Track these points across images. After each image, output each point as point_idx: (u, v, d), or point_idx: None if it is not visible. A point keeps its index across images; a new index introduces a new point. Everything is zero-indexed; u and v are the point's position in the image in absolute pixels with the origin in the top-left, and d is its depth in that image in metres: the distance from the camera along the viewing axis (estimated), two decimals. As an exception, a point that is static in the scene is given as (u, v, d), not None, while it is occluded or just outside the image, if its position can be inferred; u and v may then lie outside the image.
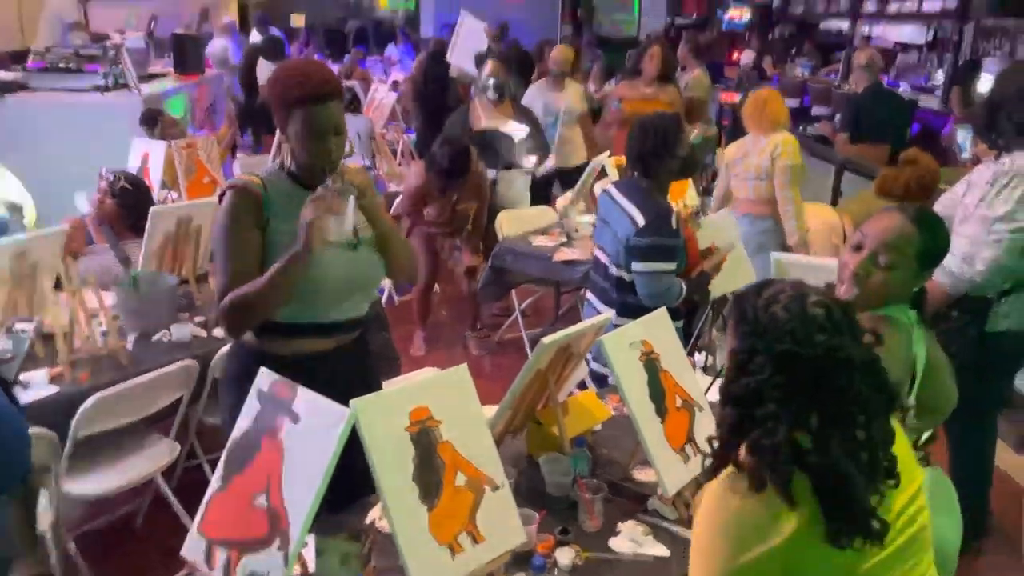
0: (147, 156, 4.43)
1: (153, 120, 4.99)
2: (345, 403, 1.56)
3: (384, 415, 1.61)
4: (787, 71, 11.48)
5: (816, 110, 9.40)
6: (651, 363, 2.02)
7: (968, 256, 2.43)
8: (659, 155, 2.85)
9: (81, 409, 2.37)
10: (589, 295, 3.10)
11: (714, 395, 2.57)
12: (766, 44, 12.78)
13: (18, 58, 6.27)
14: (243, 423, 1.68)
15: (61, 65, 6.03)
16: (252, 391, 1.69)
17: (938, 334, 1.95)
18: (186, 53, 7.04)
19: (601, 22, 15.28)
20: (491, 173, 4.72)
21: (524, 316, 4.68)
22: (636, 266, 2.82)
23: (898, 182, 3.88)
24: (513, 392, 2.03)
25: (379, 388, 2.15)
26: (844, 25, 11.41)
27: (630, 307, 2.87)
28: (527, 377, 2.01)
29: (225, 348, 2.66)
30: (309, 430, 1.59)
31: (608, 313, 2.90)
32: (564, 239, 4.33)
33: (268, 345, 2.02)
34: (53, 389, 2.48)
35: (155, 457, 2.73)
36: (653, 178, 2.87)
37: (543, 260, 4.18)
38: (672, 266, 2.83)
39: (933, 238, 1.82)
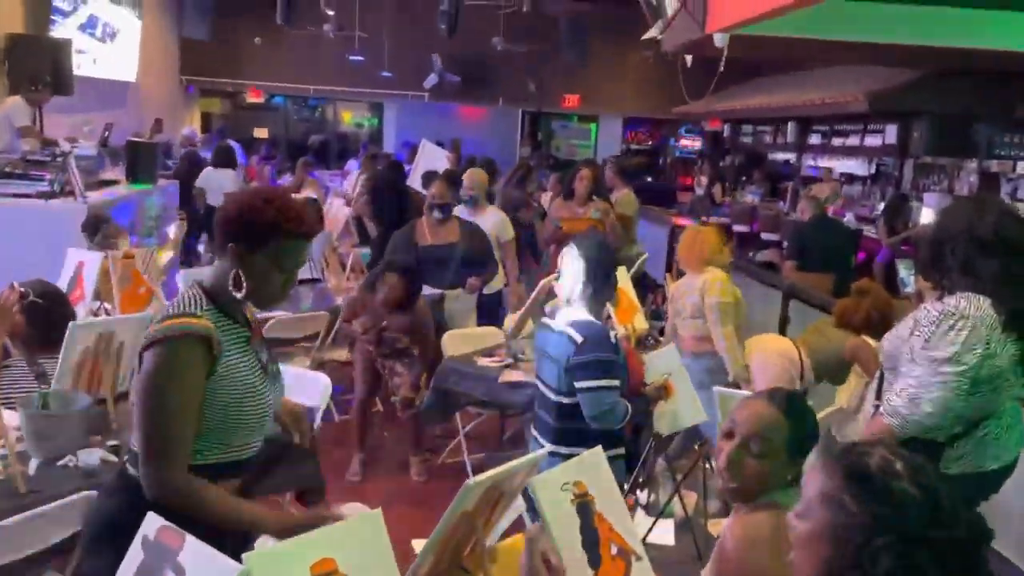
0: (81, 265, 4.28)
1: (95, 228, 4.87)
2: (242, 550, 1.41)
3: (282, 570, 1.45)
4: (738, 197, 11.85)
5: (765, 236, 9.64)
6: (584, 506, 1.89)
7: (915, 398, 2.38)
8: (596, 285, 2.83)
9: (-41, 547, 2.14)
10: (534, 431, 2.99)
11: (656, 538, 2.46)
12: (717, 171, 13.26)
13: (-34, 161, 6.16)
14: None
15: (7, 170, 5.93)
16: (137, 538, 1.52)
17: None
18: (138, 161, 7.00)
19: (559, 146, 15.78)
20: (435, 291, 4.67)
21: (468, 439, 4.51)
22: (579, 384, 2.74)
23: (858, 313, 3.88)
24: (436, 537, 1.87)
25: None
26: (791, 156, 11.89)
27: (571, 434, 2.78)
28: (451, 520, 1.86)
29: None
30: (194, 587, 1.41)
31: (548, 448, 2.79)
32: (510, 360, 4.23)
33: None
34: (-68, 521, 2.25)
35: (46, 597, 2.47)
36: (593, 309, 2.83)
37: (488, 381, 4.07)
38: (616, 383, 2.76)
39: (801, 426, 1.82)
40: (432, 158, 8.10)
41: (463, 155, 11.56)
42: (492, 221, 5.27)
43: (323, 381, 3.67)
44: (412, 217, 5.33)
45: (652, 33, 5.64)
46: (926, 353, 2.38)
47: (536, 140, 15.54)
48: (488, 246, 5.07)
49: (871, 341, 3.86)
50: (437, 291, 4.69)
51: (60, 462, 2.67)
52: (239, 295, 1.89)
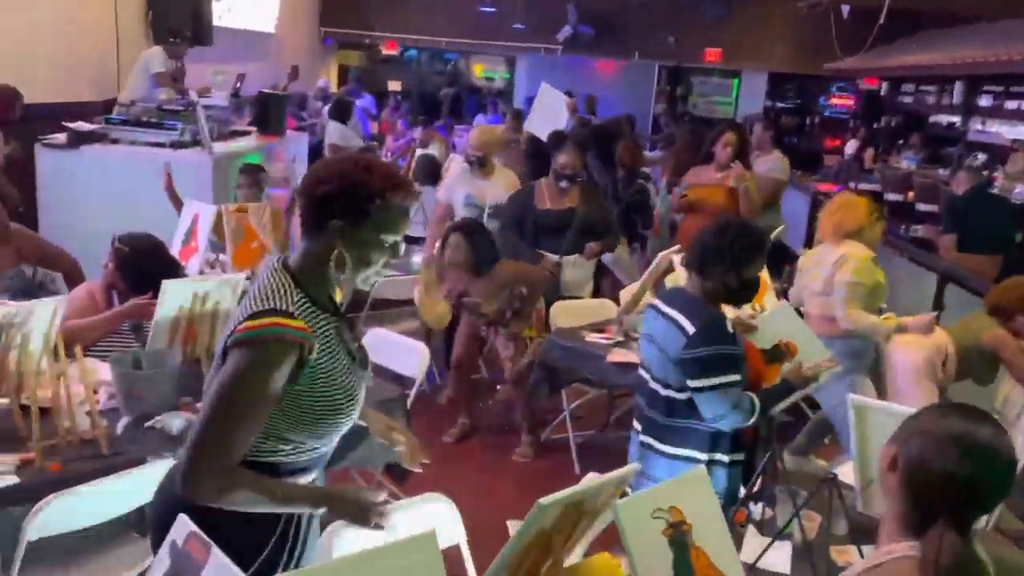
0: (197, 217, 4.30)
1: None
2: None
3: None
4: (892, 163, 10.88)
5: (921, 206, 8.77)
6: (679, 538, 1.62)
7: None
8: (723, 262, 2.49)
9: (33, 511, 2.11)
10: (636, 425, 2.71)
11: (769, 563, 2.15)
12: (871, 134, 12.22)
13: (111, 107, 6.39)
14: (151, 581, 1.37)
15: (143, 119, 6.09)
16: (167, 540, 1.38)
17: None
18: (268, 113, 7.06)
19: (696, 102, 15.01)
20: (553, 258, 4.43)
21: (573, 418, 4.27)
22: (693, 382, 2.43)
23: (1013, 300, 3.42)
24: (507, 554, 1.65)
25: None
26: (956, 119, 10.78)
27: (681, 433, 2.50)
28: (524, 539, 1.63)
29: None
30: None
31: (651, 443, 2.52)
32: (620, 338, 3.94)
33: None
34: (11, 480, 2.23)
35: (126, 559, 2.44)
36: (706, 287, 2.50)
37: (595, 360, 3.80)
38: (737, 377, 2.43)
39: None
40: (552, 105, 7.70)
41: (597, 112, 11.16)
42: (500, 185, 4.84)
43: (421, 350, 3.52)
44: None
45: (805, -19, 5.08)
46: None
47: (672, 96, 14.83)
48: (608, 211, 4.76)
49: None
50: (554, 257, 4.44)
51: (148, 423, 2.62)
52: (342, 276, 1.72)
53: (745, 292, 2.54)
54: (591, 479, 1.75)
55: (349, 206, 1.67)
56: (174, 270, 3.28)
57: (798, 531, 2.11)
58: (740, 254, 2.47)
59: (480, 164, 4.79)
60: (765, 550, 2.08)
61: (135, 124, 6.02)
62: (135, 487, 2.34)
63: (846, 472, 2.71)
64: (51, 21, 6.37)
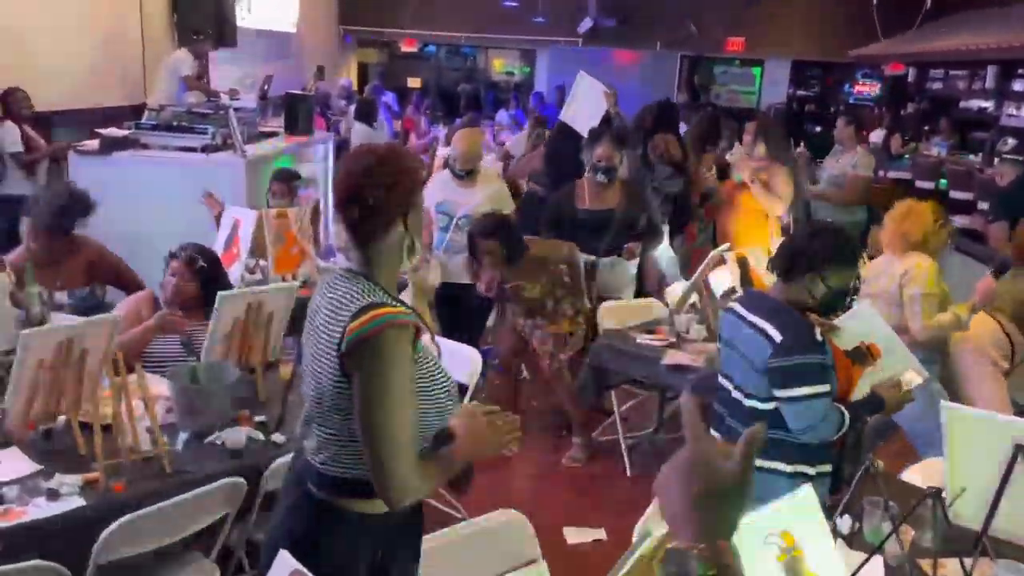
0: (238, 223, 4.25)
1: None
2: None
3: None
4: (921, 150, 10.70)
5: (955, 194, 8.61)
6: (793, 565, 1.54)
7: None
8: (810, 270, 2.40)
9: (104, 534, 2.06)
10: (714, 433, 2.62)
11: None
12: (897, 121, 12.04)
13: (139, 111, 6.37)
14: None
15: (174, 123, 6.05)
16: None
17: None
18: (296, 113, 7.01)
19: (719, 92, 14.85)
20: (587, 257, 4.32)
21: (623, 419, 4.20)
22: (780, 392, 2.35)
23: None
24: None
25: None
26: (988, 104, 10.58)
27: (768, 445, 2.41)
28: (623, 569, 1.56)
29: (283, 459, 2.34)
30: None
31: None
32: (673, 339, 3.86)
33: (347, 503, 1.71)
34: (78, 503, 2.19)
35: (193, 579, 2.39)
36: (792, 294, 2.41)
37: (649, 362, 3.72)
38: (827, 388, 2.34)
39: None
40: (590, 95, 7.52)
41: (619, 105, 11.02)
42: (481, 195, 4.41)
43: (474, 357, 3.45)
44: None
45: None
46: None
47: (694, 87, 14.67)
48: (652, 209, 4.65)
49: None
50: (589, 258, 4.32)
51: (207, 439, 2.57)
52: (413, 262, 1.79)
53: (833, 301, 2.46)
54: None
55: (414, 193, 1.75)
56: (226, 278, 3.25)
57: (895, 545, 2.03)
58: (828, 261, 2.39)
59: (468, 173, 4.41)
60: (862, 565, 2.00)
61: (165, 129, 5.98)
62: (201, 507, 2.29)
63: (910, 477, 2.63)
64: (76, 27, 6.34)
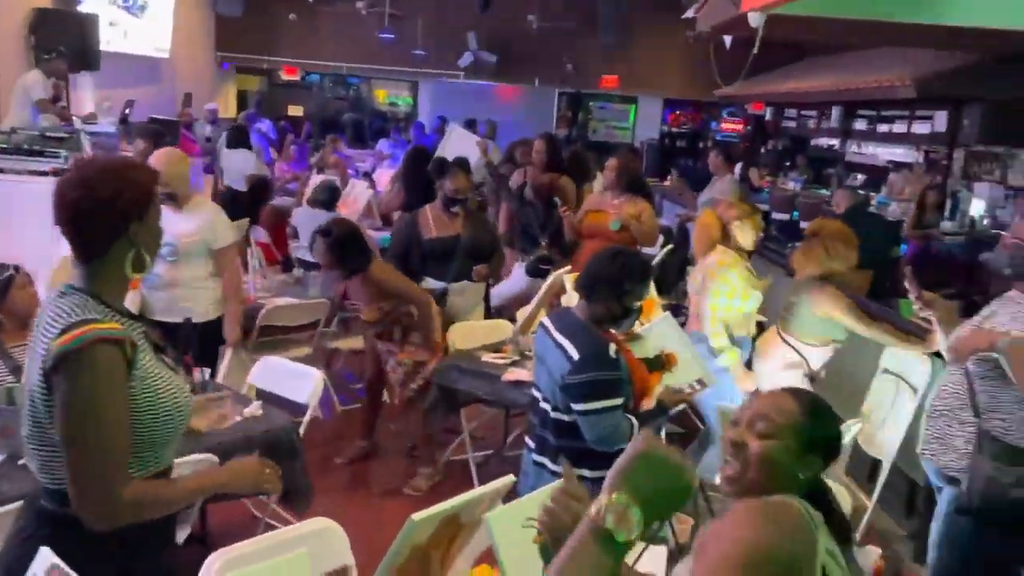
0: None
1: None
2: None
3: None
4: (779, 184, 11.43)
5: (805, 224, 9.25)
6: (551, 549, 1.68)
7: None
8: (609, 290, 2.60)
9: None
10: (528, 441, 2.78)
11: (644, 568, 2.24)
12: (758, 157, 12.81)
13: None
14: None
15: (25, 146, 5.87)
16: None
17: None
18: (161, 140, 6.90)
19: (596, 128, 15.42)
20: (440, 284, 4.44)
21: (472, 437, 4.32)
22: (577, 406, 2.53)
23: (813, 252, 3.63)
24: (382, 572, 1.68)
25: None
26: (835, 142, 11.43)
27: (573, 453, 2.57)
28: (399, 557, 1.67)
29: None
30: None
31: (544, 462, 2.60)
32: (516, 357, 4.03)
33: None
34: None
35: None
36: (594, 311, 2.61)
37: (491, 379, 3.87)
38: (618, 402, 2.53)
39: (819, 424, 1.62)
40: (463, 144, 7.79)
41: (499, 137, 11.32)
42: (194, 220, 3.82)
43: (314, 376, 3.51)
44: None
45: (688, 13, 5.33)
46: None
47: (573, 122, 15.19)
48: (494, 235, 4.84)
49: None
50: (440, 285, 4.45)
51: (21, 460, 2.53)
52: (141, 274, 1.74)
53: (627, 318, 2.66)
54: (466, 495, 1.80)
55: (144, 205, 1.72)
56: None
57: (671, 536, 2.22)
58: (625, 283, 2.60)
59: (169, 198, 3.67)
60: (639, 556, 2.17)
61: (15, 152, 5.80)
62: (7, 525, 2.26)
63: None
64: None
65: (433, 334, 4.05)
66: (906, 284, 2.93)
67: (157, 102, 9.10)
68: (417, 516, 1.61)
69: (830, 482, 2.66)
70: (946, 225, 7.88)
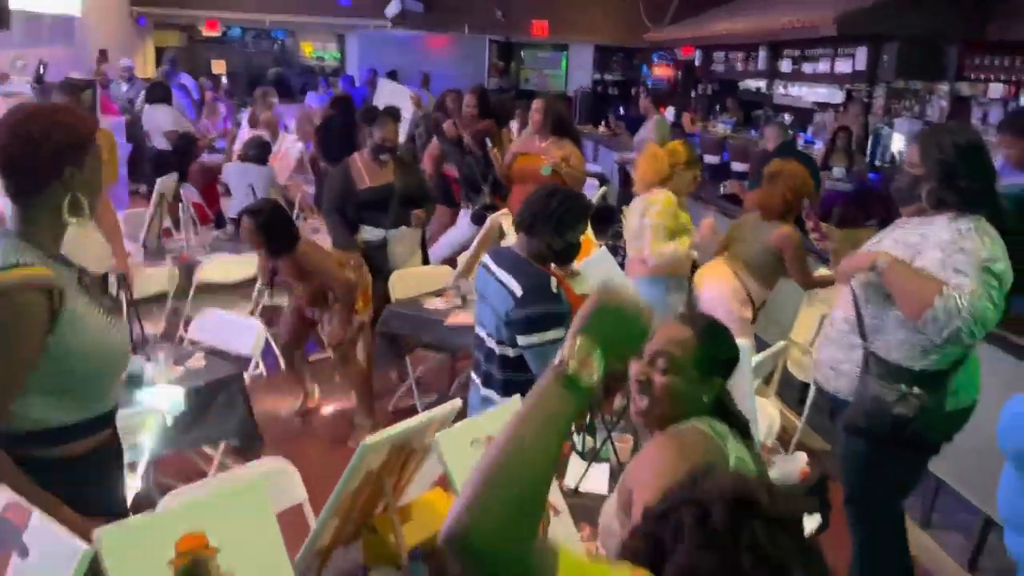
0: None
1: None
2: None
3: (141, 547, 1.31)
4: (709, 128, 11.61)
5: (735, 166, 9.46)
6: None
7: (972, 304, 2.22)
8: (548, 226, 2.65)
9: None
10: (474, 376, 2.84)
11: (589, 485, 2.35)
12: (688, 101, 12.96)
13: None
14: (-32, 555, 1.36)
15: (-67, 108, 5.61)
16: (-18, 514, 1.38)
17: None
18: (80, 95, 6.65)
19: (528, 76, 15.35)
20: (379, 232, 4.43)
21: (419, 383, 4.38)
22: (521, 340, 2.59)
23: (774, 198, 3.73)
24: (335, 499, 1.74)
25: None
26: (763, 84, 11.63)
27: (515, 386, 2.64)
28: (352, 482, 1.73)
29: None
30: (38, 569, 1.27)
31: (491, 396, 2.66)
32: (458, 302, 4.08)
33: (31, 451, 1.66)
34: None
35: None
36: (534, 247, 2.66)
37: (435, 325, 3.92)
38: (561, 333, 2.60)
39: (713, 345, 1.77)
40: (394, 96, 7.70)
41: (432, 88, 11.20)
42: None
43: (256, 328, 3.51)
44: None
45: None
46: (969, 261, 2.26)
47: (505, 71, 15.10)
48: (423, 180, 4.84)
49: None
50: (379, 234, 4.44)
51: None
52: (77, 220, 1.72)
53: (568, 253, 2.72)
54: (415, 419, 1.86)
55: (78, 150, 1.72)
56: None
57: (612, 454, 2.33)
58: (564, 218, 2.65)
59: None
60: (584, 473, 2.28)
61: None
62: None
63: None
64: None
65: (351, 319, 4.02)
66: (804, 216, 3.02)
67: (72, 61, 8.73)
68: (369, 439, 1.67)
69: (760, 402, 2.82)
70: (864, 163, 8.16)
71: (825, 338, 2.75)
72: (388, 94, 8.05)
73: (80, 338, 1.68)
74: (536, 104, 5.15)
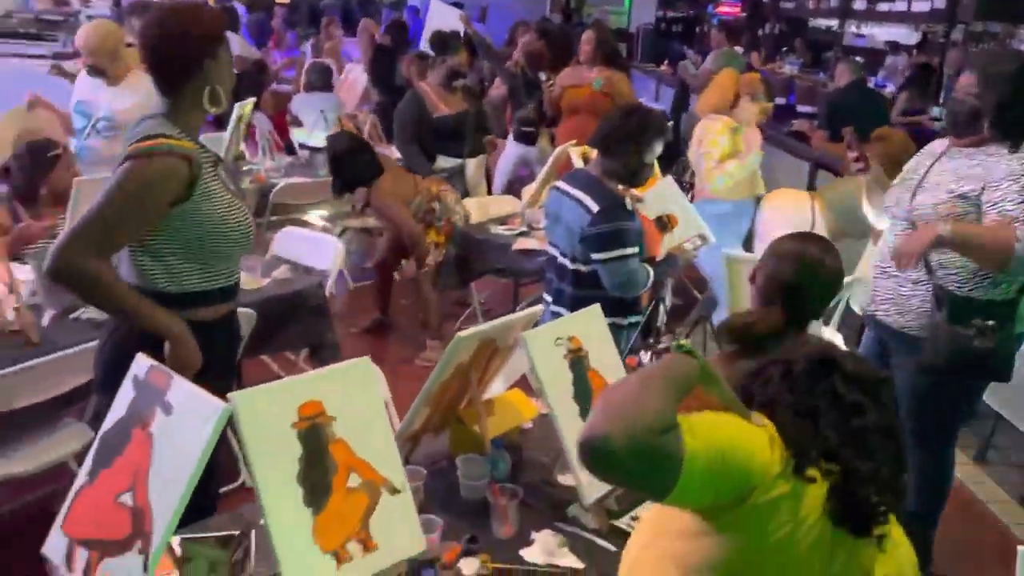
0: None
1: None
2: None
3: (268, 410, 1.47)
4: (775, 69, 11.35)
5: (801, 108, 9.28)
6: (578, 361, 1.89)
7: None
8: (627, 145, 2.71)
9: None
10: (547, 297, 2.96)
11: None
12: (756, 40, 12.64)
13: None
14: (116, 411, 1.53)
15: (21, 29, 5.83)
16: (128, 377, 1.55)
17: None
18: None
19: (591, 12, 15.09)
20: (455, 161, 4.53)
21: (483, 310, 4.52)
22: (596, 255, 2.69)
23: (875, 158, 3.72)
24: (429, 388, 1.89)
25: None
26: (834, 23, 11.28)
27: (590, 301, 2.75)
28: (445, 373, 1.87)
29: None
30: (181, 423, 1.44)
31: (561, 312, 2.79)
32: (524, 228, 4.19)
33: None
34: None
35: (66, 441, 2.57)
36: (608, 167, 2.73)
37: (501, 249, 4.04)
38: (635, 250, 2.71)
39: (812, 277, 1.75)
40: (446, 18, 7.66)
41: (489, 19, 11.09)
42: (129, 96, 3.60)
43: (336, 245, 3.67)
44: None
45: None
46: None
47: (567, 5, 14.86)
48: (484, 109, 4.91)
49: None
50: (456, 162, 4.54)
51: (72, 315, 2.72)
52: (215, 108, 1.92)
53: (641, 174, 2.79)
54: (502, 319, 1.99)
55: (213, 43, 1.92)
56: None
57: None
58: (643, 137, 2.71)
59: (97, 72, 3.60)
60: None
61: (11, 36, 5.77)
62: (65, 367, 2.45)
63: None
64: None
65: (423, 263, 4.16)
66: (846, 145, 3.00)
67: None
68: (463, 333, 1.80)
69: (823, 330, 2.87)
70: (935, 111, 7.91)
71: (880, 271, 2.65)
72: (439, 16, 7.95)
73: (210, 211, 1.88)
74: (586, 35, 5.10)
